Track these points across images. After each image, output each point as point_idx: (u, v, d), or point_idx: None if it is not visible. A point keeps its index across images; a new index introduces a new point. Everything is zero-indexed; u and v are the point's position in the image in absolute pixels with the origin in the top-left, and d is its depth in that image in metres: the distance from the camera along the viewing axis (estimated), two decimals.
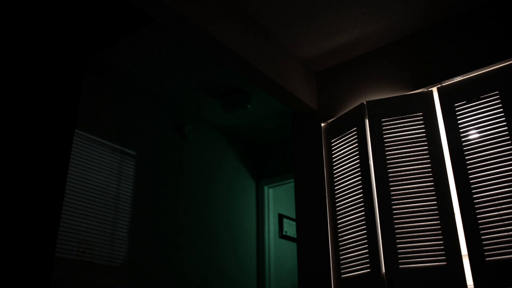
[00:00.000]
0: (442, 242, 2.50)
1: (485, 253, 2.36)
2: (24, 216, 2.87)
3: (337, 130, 3.16)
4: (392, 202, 2.68)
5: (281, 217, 5.01)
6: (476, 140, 2.57)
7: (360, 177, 2.86)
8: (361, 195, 2.82)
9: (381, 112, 2.90)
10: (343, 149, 3.05)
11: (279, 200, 5.11)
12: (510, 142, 2.46)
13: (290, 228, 5.08)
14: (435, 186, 2.62)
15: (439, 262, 2.48)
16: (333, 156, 3.13)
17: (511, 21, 2.69)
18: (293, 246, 5.08)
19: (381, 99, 2.94)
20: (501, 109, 2.53)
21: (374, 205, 2.74)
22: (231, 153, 4.64)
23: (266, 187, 4.84)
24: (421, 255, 2.53)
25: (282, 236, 4.94)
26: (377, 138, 2.85)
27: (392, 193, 2.70)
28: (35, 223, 2.91)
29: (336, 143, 3.13)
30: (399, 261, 2.56)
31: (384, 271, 2.60)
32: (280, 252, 4.85)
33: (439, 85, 2.85)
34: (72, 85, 3.37)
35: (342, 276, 2.82)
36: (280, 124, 4.50)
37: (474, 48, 2.79)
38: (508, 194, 2.38)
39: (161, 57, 3.46)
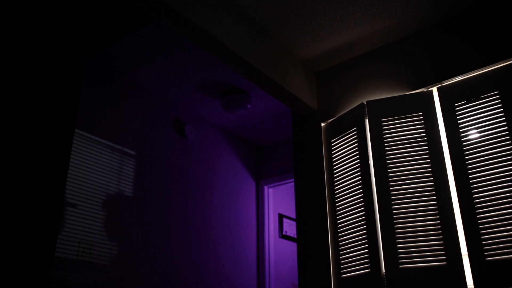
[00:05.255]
0: (442, 242, 2.50)
1: (485, 253, 2.36)
2: (24, 216, 2.87)
3: (337, 130, 3.16)
4: (392, 202, 2.68)
5: (281, 217, 5.01)
6: (476, 140, 2.57)
7: (360, 177, 2.86)
8: (361, 195, 2.82)
9: (381, 112, 2.90)
10: (343, 149, 3.05)
11: (279, 200, 5.11)
12: (510, 142, 2.46)
13: (290, 228, 5.08)
14: (435, 186, 2.62)
15: (439, 262, 2.48)
16: (333, 156, 3.13)
17: (511, 21, 2.69)
18: (293, 246, 5.08)
19: (381, 99, 2.94)
20: (501, 109, 2.53)
21: (374, 205, 2.74)
22: (231, 153, 4.64)
23: (266, 187, 4.84)
24: (421, 255, 2.53)
25: (282, 236, 4.94)
26: (377, 138, 2.85)
27: (392, 193, 2.70)
28: (35, 223, 2.91)
29: (336, 143, 3.13)
30: (399, 261, 2.56)
31: (384, 271, 2.60)
32: (280, 252, 4.85)
33: (439, 85, 2.85)
34: (72, 85, 3.37)
35: (342, 276, 2.82)
36: (280, 124, 4.50)
37: (474, 48, 2.79)
38: (508, 194, 2.38)
39: (161, 57, 3.46)
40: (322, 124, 3.34)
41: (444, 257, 2.47)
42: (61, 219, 3.03)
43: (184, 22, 2.49)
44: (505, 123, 2.49)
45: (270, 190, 4.88)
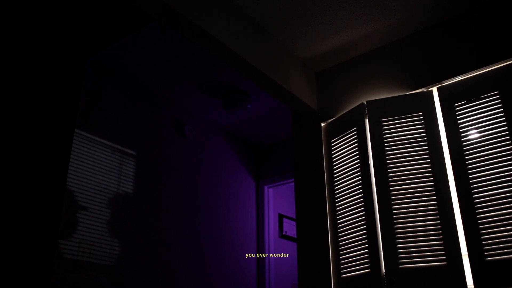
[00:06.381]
0: (442, 242, 2.50)
1: (485, 253, 2.36)
2: (24, 216, 2.87)
3: (337, 130, 3.16)
4: (392, 202, 2.68)
5: (281, 217, 5.01)
6: (476, 140, 2.57)
7: (360, 177, 2.86)
8: (361, 195, 2.82)
9: (381, 112, 2.90)
10: (343, 149, 3.05)
11: (279, 200, 5.11)
12: (510, 142, 2.46)
13: (290, 228, 5.08)
14: (435, 186, 2.61)
15: (439, 262, 2.48)
16: (333, 156, 3.13)
17: (511, 22, 2.70)
18: (293, 246, 5.08)
19: (381, 99, 2.94)
20: (501, 109, 2.53)
21: (374, 205, 2.74)
22: (231, 153, 4.64)
23: (266, 187, 4.84)
24: (421, 255, 2.53)
25: (282, 236, 4.94)
26: (377, 138, 2.85)
27: (392, 193, 2.70)
28: (35, 223, 2.91)
29: (336, 143, 3.13)
30: (399, 261, 2.56)
31: (384, 271, 2.60)
32: (280, 252, 4.85)
33: (439, 85, 2.85)
34: (72, 85, 3.37)
35: (342, 276, 2.82)
36: (280, 124, 4.50)
37: (474, 48, 2.79)
38: (508, 194, 2.38)
39: (161, 57, 3.46)
40: (322, 124, 3.33)
41: (444, 257, 2.47)
42: (61, 219, 3.03)
43: (184, 22, 2.49)
44: (505, 123, 2.49)
45: (270, 190, 4.88)
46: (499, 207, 2.39)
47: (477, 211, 2.44)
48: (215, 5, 2.69)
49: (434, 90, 2.88)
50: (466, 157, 2.57)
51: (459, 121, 2.65)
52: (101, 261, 3.19)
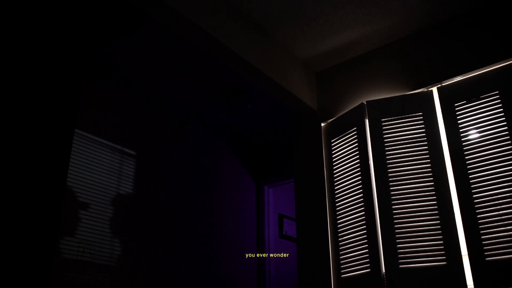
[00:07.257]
0: (442, 242, 2.50)
1: (485, 253, 2.36)
2: (24, 216, 2.87)
3: (337, 130, 3.16)
4: (392, 202, 2.68)
5: (281, 217, 5.01)
6: (476, 140, 2.57)
7: (360, 177, 2.86)
8: (361, 195, 2.82)
9: (381, 112, 2.90)
10: (343, 149, 3.05)
11: (279, 200, 5.11)
12: (510, 142, 2.46)
13: (290, 228, 5.08)
14: (435, 186, 2.61)
15: (439, 262, 2.48)
16: (333, 156, 3.13)
17: (511, 21, 2.70)
18: (293, 246, 5.08)
19: (381, 99, 2.94)
20: (501, 109, 2.53)
21: (374, 205, 2.74)
22: (231, 153, 4.64)
23: (266, 187, 4.84)
24: (421, 255, 2.53)
25: (282, 236, 4.94)
26: (377, 138, 2.85)
27: (392, 193, 2.70)
28: (35, 223, 2.91)
29: (336, 143, 3.13)
30: (399, 261, 2.56)
31: (384, 271, 2.60)
32: (280, 252, 4.85)
33: (439, 85, 2.85)
34: (72, 85, 3.37)
35: (342, 276, 2.82)
36: (280, 124, 4.50)
37: (474, 48, 2.79)
38: (508, 194, 2.38)
39: (160, 57, 3.45)
40: (322, 124, 3.34)
41: (444, 257, 2.47)
42: (61, 219, 3.03)
43: (184, 22, 2.49)
44: (505, 123, 2.49)
45: (270, 190, 4.88)
46: (499, 207, 2.39)
47: (477, 211, 2.44)
48: (215, 5, 2.69)
49: (434, 90, 2.88)
50: (466, 157, 2.57)
51: (459, 121, 2.65)
52: (101, 261, 3.19)
